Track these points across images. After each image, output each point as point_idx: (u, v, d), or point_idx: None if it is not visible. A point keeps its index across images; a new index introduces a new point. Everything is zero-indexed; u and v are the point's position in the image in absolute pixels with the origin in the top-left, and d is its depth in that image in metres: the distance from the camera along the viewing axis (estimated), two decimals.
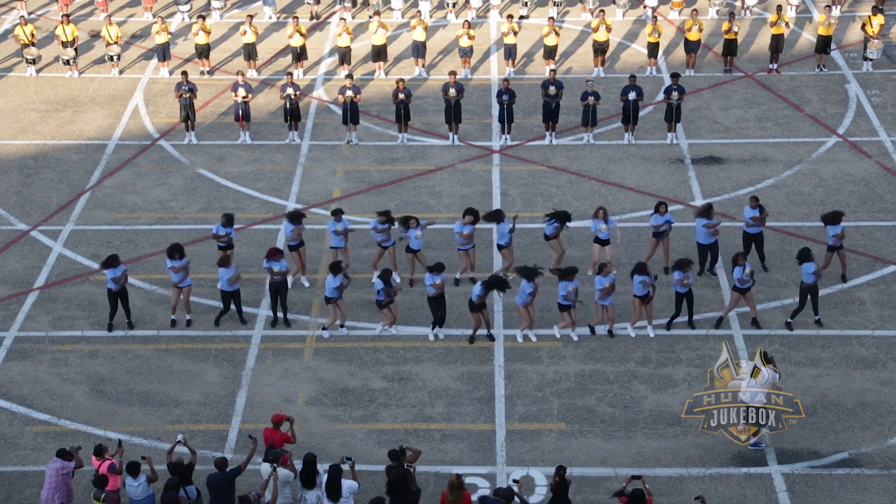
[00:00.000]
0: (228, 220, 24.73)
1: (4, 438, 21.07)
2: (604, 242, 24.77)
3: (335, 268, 23.00)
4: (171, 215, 27.57)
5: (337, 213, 24.71)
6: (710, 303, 24.27)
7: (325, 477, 18.43)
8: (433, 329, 23.46)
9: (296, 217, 24.67)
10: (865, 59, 33.90)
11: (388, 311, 23.32)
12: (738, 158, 29.57)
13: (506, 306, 24.23)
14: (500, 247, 24.97)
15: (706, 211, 24.53)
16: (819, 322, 23.43)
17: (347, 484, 18.31)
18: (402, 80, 29.99)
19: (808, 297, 23.22)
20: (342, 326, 23.61)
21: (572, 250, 25.48)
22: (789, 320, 23.49)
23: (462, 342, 23.30)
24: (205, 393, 22.15)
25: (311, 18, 37.03)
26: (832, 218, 24.26)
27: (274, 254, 23.36)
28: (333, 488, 18.11)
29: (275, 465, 18.46)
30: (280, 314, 23.79)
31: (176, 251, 23.31)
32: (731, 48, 33.58)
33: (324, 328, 23.58)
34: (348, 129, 30.48)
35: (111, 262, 23.23)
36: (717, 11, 36.97)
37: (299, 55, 33.46)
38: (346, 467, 18.53)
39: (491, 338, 23.34)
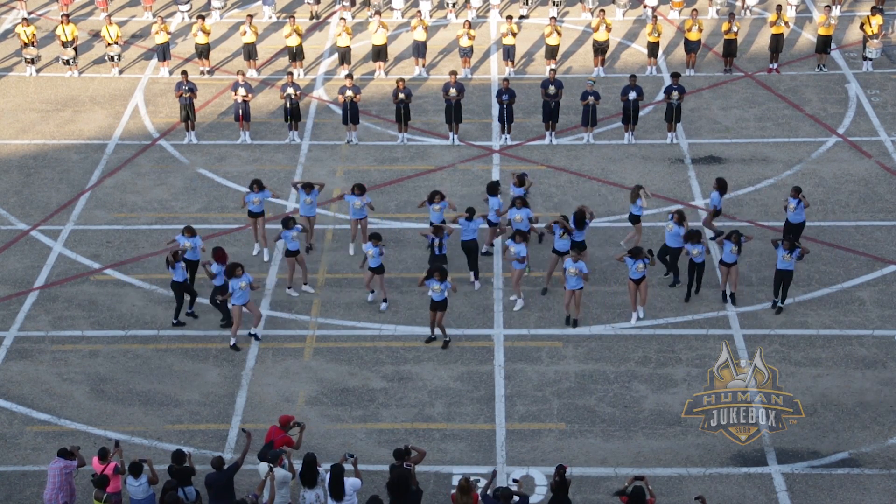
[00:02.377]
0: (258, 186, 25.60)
1: (4, 438, 21.08)
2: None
3: (375, 237, 23.77)
4: (171, 215, 27.57)
5: (360, 188, 25.46)
6: (711, 303, 24.28)
7: (326, 476, 18.44)
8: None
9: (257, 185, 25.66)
10: (865, 58, 33.91)
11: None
12: (738, 158, 29.57)
13: (506, 306, 24.24)
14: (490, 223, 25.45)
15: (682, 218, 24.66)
16: (780, 308, 23.87)
17: (351, 482, 18.32)
18: (402, 79, 29.99)
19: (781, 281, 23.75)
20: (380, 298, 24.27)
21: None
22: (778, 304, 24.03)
23: (462, 342, 23.29)
24: (205, 393, 22.15)
25: (311, 18, 37.04)
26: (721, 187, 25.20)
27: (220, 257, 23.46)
28: (337, 487, 18.11)
29: (272, 465, 18.45)
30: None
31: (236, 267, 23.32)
32: (731, 48, 33.58)
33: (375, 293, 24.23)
34: (348, 128, 30.49)
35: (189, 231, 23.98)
36: (717, 11, 36.98)
37: (295, 55, 33.47)
38: (348, 466, 18.54)
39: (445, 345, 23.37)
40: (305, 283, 24.78)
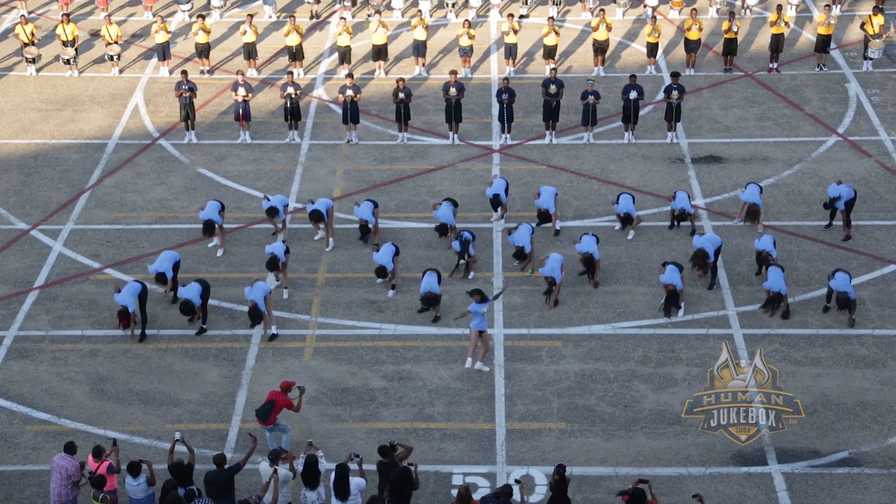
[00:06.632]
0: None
1: (4, 438, 21.08)
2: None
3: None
4: (171, 215, 27.57)
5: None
6: (710, 303, 24.28)
7: (330, 475, 18.44)
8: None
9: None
10: (866, 58, 33.91)
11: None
12: (738, 158, 29.57)
13: (506, 305, 24.23)
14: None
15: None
16: (852, 321, 23.59)
17: (355, 482, 18.32)
18: (402, 79, 29.99)
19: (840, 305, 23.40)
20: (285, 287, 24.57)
21: (571, 249, 25.49)
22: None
23: (462, 342, 23.29)
24: (205, 392, 22.16)
25: (312, 18, 37.04)
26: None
27: None
28: (342, 487, 18.11)
29: (275, 466, 18.45)
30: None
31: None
32: (731, 47, 33.59)
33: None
34: (348, 128, 30.48)
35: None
36: (717, 11, 36.98)
37: (295, 54, 33.47)
38: (353, 465, 18.54)
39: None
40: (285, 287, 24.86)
